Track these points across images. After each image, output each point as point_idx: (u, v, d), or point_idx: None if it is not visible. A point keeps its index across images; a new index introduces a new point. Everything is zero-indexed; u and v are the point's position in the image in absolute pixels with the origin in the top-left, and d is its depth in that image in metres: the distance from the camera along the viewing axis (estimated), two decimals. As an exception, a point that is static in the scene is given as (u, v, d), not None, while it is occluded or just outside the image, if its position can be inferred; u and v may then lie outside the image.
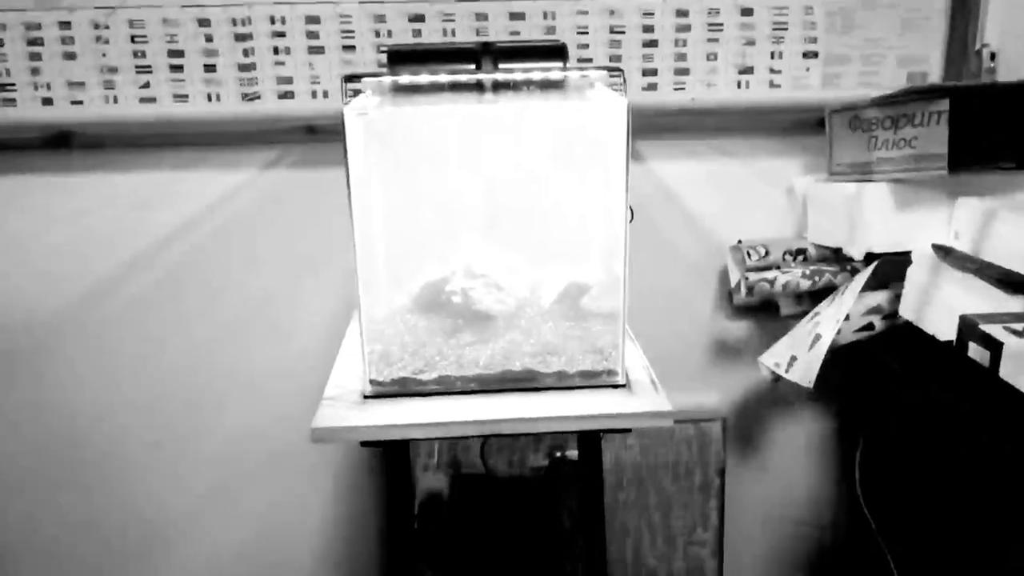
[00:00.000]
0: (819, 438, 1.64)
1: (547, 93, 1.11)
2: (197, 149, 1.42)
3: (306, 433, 0.93)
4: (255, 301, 1.49)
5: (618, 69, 1.04)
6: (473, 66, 1.11)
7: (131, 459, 1.67)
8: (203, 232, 1.55)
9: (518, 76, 1.08)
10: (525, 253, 1.14)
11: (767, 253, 1.42)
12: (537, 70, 1.06)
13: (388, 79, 1.07)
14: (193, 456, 1.68)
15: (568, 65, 1.13)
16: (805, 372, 1.24)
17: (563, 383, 1.04)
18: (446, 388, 0.95)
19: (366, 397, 0.94)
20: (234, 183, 1.44)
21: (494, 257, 1.13)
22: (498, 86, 1.13)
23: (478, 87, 1.12)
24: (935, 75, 1.52)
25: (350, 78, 1.02)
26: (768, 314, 1.53)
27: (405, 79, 1.05)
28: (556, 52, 1.17)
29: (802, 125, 1.43)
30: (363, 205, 0.98)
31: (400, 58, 1.15)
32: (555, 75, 1.08)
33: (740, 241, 1.44)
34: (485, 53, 1.14)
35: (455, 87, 1.10)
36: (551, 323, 1.12)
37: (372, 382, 1.03)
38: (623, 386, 0.95)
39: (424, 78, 1.04)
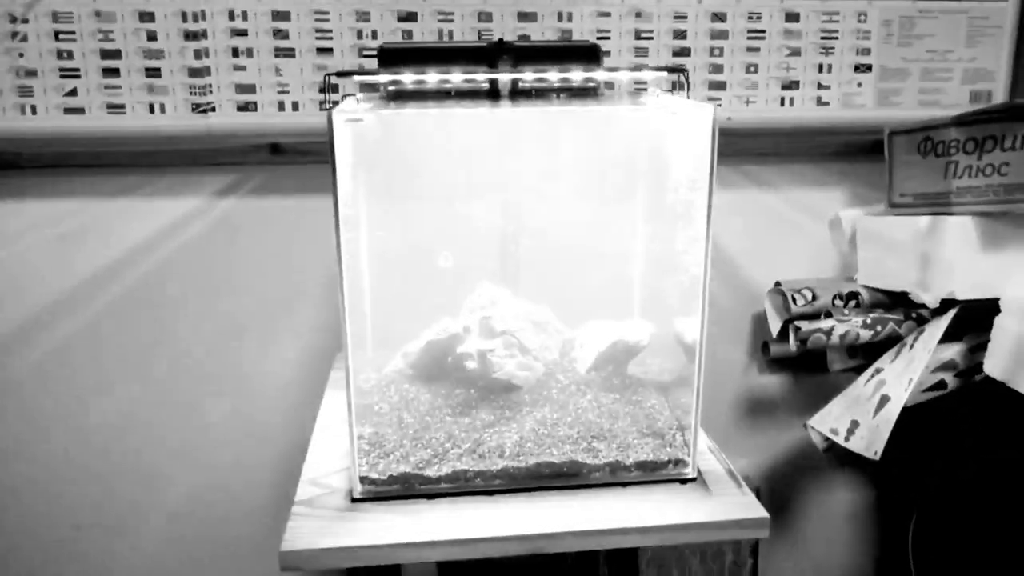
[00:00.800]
0: (862, 508, 1.49)
1: (583, 100, 0.87)
2: (136, 171, 1.15)
3: (269, 526, 0.66)
4: (203, 357, 1.21)
5: (681, 69, 0.81)
6: (485, 68, 0.87)
7: (45, 543, 1.36)
8: (140, 272, 1.27)
9: (544, 79, 0.84)
10: (556, 303, 0.89)
11: (814, 297, 1.23)
12: (573, 70, 0.81)
13: (383, 78, 0.82)
14: (124, 545, 1.37)
15: (609, 67, 0.89)
16: (870, 441, 1.06)
17: (616, 478, 0.79)
18: (462, 488, 0.69)
19: (354, 500, 0.67)
20: (182, 213, 1.18)
21: (517, 309, 0.89)
22: (518, 92, 0.88)
23: (492, 93, 0.88)
24: (1000, 94, 1.33)
25: (334, 75, 0.77)
26: (808, 368, 1.38)
27: (407, 78, 0.80)
28: (586, 54, 0.93)
29: (850, 149, 1.25)
30: (350, 237, 0.73)
31: (394, 58, 0.90)
32: (594, 77, 0.84)
33: (779, 283, 1.25)
34: (500, 53, 0.90)
35: (464, 93, 0.86)
36: (591, 395, 0.87)
37: (363, 480, 0.77)
38: (693, 480, 0.70)
39: (430, 77, 0.79)
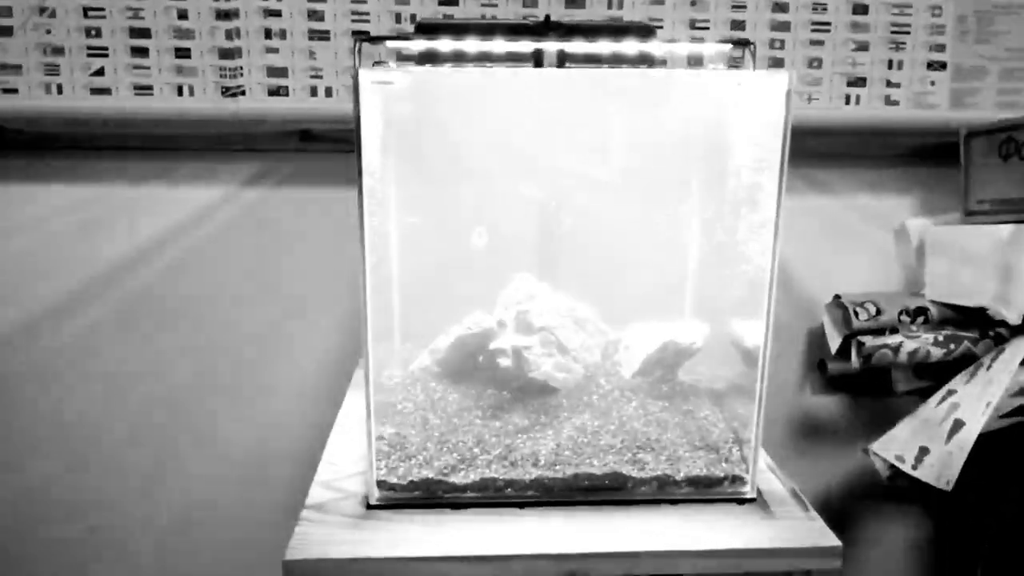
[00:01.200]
0: (924, 539, 1.40)
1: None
2: (162, 156, 1.10)
3: (286, 531, 0.59)
4: (226, 352, 1.16)
5: (746, 42, 0.73)
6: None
7: (59, 543, 1.30)
8: (164, 262, 1.21)
9: (594, 52, 0.76)
10: (600, 300, 0.81)
11: (879, 312, 1.16)
12: (626, 43, 0.73)
13: (419, 43, 0.75)
14: (138, 549, 1.31)
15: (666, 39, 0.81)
16: (942, 469, 1.00)
17: (665, 494, 0.69)
18: (490, 498, 0.61)
19: (370, 506, 0.59)
20: (207, 201, 1.12)
21: (558, 304, 0.81)
22: (565, 65, 0.81)
23: (537, 64, 0.80)
24: (1086, 97, 1.22)
25: (365, 39, 0.70)
26: (868, 389, 1.30)
27: (445, 45, 0.73)
28: (640, 33, 0.85)
29: (920, 153, 1.16)
30: (378, 220, 0.65)
31: (432, 31, 0.83)
32: (649, 51, 0.76)
33: (838, 296, 1.18)
34: (547, 29, 0.82)
35: (506, 59, 0.78)
36: (636, 402, 0.78)
37: (381, 484, 0.69)
38: (752, 500, 0.60)
39: (469, 44, 0.71)
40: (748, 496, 0.70)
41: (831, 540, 0.65)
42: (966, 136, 1.17)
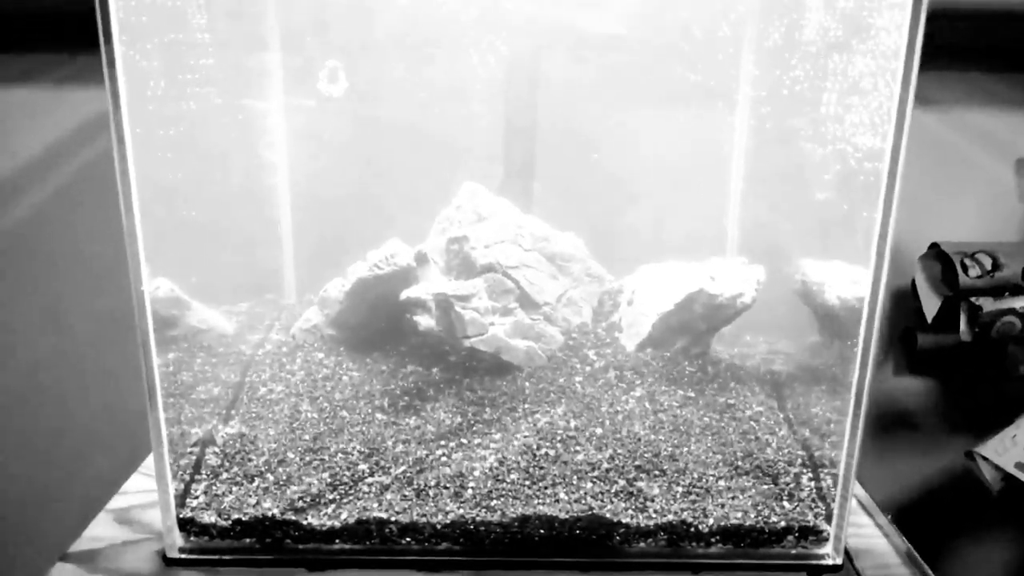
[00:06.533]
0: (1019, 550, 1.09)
1: None
2: None
3: None
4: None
5: None
6: None
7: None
8: None
9: None
10: (592, 230, 0.52)
11: (995, 266, 0.92)
12: None
13: None
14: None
15: None
16: None
17: (680, 555, 0.41)
18: (374, 552, 0.33)
19: (169, 562, 0.28)
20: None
21: (522, 230, 0.51)
22: None
23: None
24: None
25: None
26: (973, 369, 1.03)
27: None
28: None
29: None
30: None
31: None
32: None
33: (937, 245, 0.93)
34: None
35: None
36: (641, 390, 0.49)
37: (187, 525, 0.39)
38: (837, 569, 0.28)
39: None
40: (830, 562, 0.39)
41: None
42: None
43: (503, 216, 0.59)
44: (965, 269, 0.93)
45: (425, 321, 0.52)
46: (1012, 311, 0.93)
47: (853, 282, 0.69)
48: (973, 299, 0.93)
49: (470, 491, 0.47)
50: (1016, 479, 0.88)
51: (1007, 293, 0.96)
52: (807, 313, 0.55)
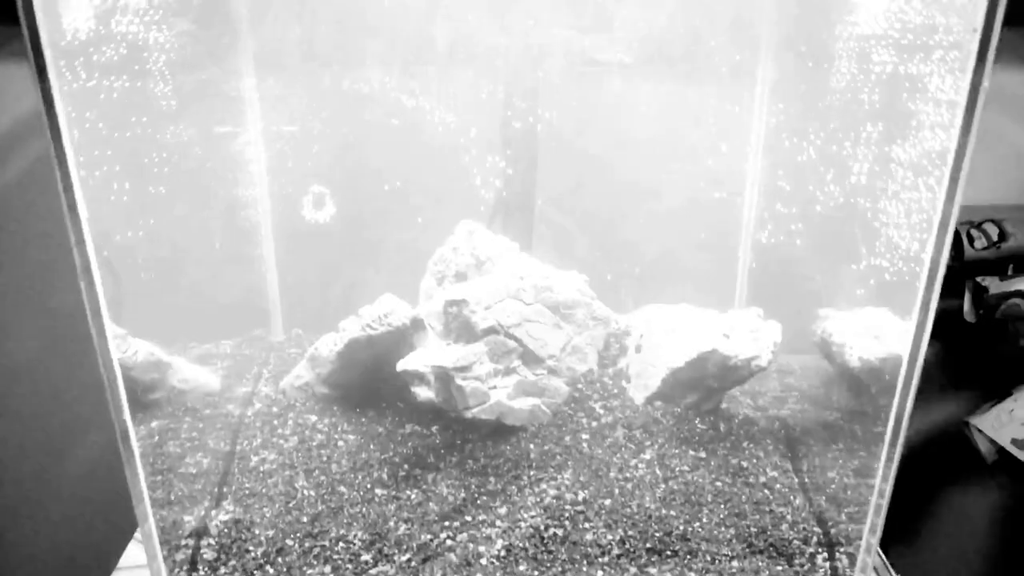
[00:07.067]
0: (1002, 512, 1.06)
1: None
2: None
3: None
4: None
5: None
6: None
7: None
8: None
9: None
10: (594, 267, 0.49)
11: (1002, 236, 0.89)
12: None
13: None
14: None
15: None
16: None
17: None
18: None
19: None
20: None
21: (522, 271, 0.49)
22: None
23: None
24: None
25: None
26: (973, 337, 0.99)
27: None
28: None
29: None
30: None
31: None
32: None
33: None
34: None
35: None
36: (652, 452, 0.47)
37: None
38: None
39: None
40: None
41: None
42: None
43: (502, 262, 0.54)
44: (971, 240, 0.89)
45: (424, 393, 0.48)
46: (1018, 293, 0.91)
47: (875, 338, 0.65)
48: (979, 279, 0.91)
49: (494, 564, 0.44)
50: (1010, 455, 0.88)
51: (1010, 267, 0.93)
52: (829, 368, 0.52)
